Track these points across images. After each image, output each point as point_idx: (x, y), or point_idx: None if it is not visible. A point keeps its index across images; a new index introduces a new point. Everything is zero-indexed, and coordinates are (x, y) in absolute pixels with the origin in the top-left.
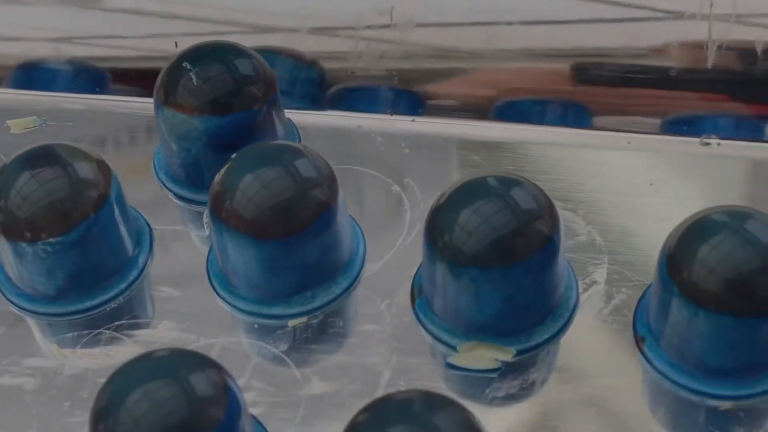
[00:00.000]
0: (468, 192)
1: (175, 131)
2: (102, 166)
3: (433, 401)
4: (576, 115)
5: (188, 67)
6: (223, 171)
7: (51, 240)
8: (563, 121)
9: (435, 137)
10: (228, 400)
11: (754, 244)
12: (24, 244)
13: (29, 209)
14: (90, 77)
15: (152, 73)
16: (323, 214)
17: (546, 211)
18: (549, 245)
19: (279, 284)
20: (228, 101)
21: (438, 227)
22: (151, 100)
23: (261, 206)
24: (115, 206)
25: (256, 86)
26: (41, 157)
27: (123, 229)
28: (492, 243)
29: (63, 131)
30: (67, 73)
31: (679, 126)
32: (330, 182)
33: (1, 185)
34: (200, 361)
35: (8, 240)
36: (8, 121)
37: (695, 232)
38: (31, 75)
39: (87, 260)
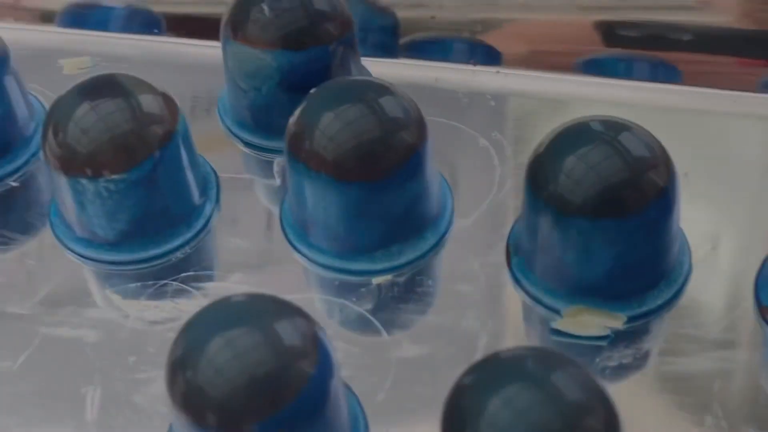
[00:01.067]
0: (574, 136)
1: (244, 68)
2: (168, 100)
3: (549, 359)
4: (665, 76)
5: None
6: (302, 107)
7: (114, 177)
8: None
9: (522, 90)
10: (319, 354)
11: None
12: (84, 181)
13: (91, 142)
14: (143, 21)
15: (207, 20)
16: (413, 157)
17: (661, 159)
18: (665, 196)
19: (362, 236)
20: (303, 36)
21: (542, 174)
22: (212, 42)
23: (345, 145)
24: (182, 145)
25: (333, 22)
26: (104, 87)
27: (190, 173)
28: (604, 191)
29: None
30: (120, 15)
31: None
32: (419, 123)
33: (60, 116)
34: (287, 308)
35: (67, 176)
36: (61, 60)
37: None
38: (82, 15)
39: (152, 203)
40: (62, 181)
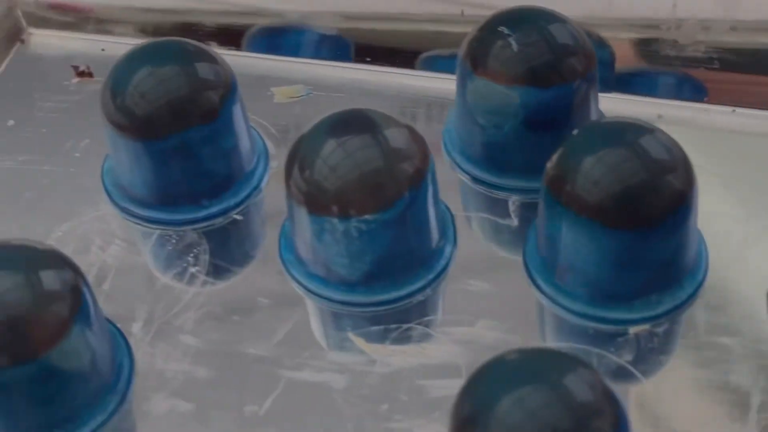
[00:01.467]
0: None
1: (486, 104)
2: (417, 137)
3: None
4: None
5: (506, 32)
6: (563, 148)
7: (366, 217)
8: None
9: (760, 131)
10: (617, 414)
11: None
12: (334, 220)
13: (343, 180)
14: (333, 46)
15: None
16: (683, 204)
17: None
18: None
19: (623, 284)
20: (550, 72)
21: None
22: (424, 74)
23: (614, 190)
24: (430, 184)
25: (578, 58)
26: (353, 123)
27: (433, 213)
28: None
29: (332, 102)
30: (311, 40)
31: None
32: (687, 168)
33: (308, 152)
34: (574, 363)
35: (313, 214)
36: (273, 89)
37: None
38: (272, 39)
39: (398, 244)
40: (305, 219)
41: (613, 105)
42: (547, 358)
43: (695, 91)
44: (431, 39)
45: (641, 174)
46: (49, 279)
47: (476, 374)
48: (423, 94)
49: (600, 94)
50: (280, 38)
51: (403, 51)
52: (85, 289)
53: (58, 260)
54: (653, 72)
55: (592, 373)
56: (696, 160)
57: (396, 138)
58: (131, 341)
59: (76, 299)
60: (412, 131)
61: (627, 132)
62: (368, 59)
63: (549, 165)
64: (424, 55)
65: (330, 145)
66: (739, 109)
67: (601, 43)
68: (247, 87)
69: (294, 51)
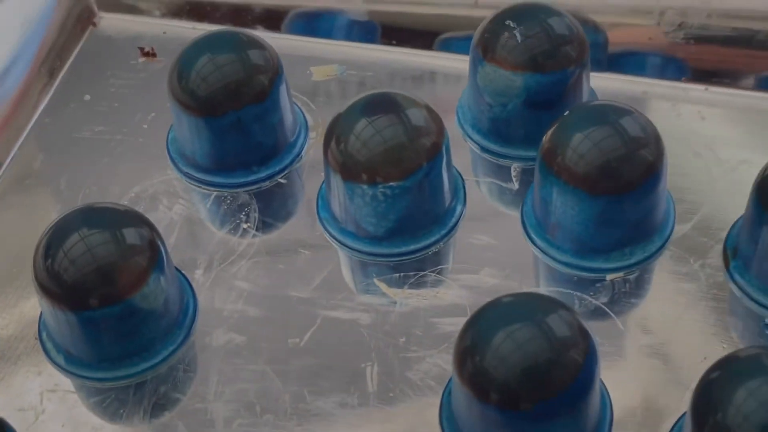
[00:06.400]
0: None
1: (493, 87)
2: (434, 115)
3: None
4: None
5: (512, 25)
6: (556, 126)
7: (392, 184)
8: None
9: (727, 106)
10: (587, 345)
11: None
12: (364, 187)
13: (372, 153)
14: (362, 29)
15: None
16: (653, 174)
17: None
18: None
19: (602, 239)
20: (549, 60)
21: None
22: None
23: (595, 162)
24: (445, 154)
25: (573, 47)
26: (380, 104)
27: (446, 178)
28: None
29: (365, 81)
30: (342, 24)
31: None
32: (657, 142)
33: (343, 129)
34: (556, 305)
35: (346, 181)
36: (312, 68)
37: None
38: (306, 23)
39: (416, 206)
40: (340, 184)
41: (604, 83)
42: (533, 301)
43: (677, 71)
44: (448, 23)
45: (619, 149)
46: (131, 235)
47: (476, 314)
48: (441, 71)
49: (594, 74)
50: (316, 22)
51: (423, 33)
52: (159, 243)
53: (137, 219)
54: (641, 53)
55: (570, 312)
56: (670, 130)
57: (416, 117)
58: (194, 285)
59: (154, 251)
60: (429, 110)
61: (609, 113)
62: (393, 42)
63: (544, 140)
64: (441, 36)
65: (361, 124)
66: (711, 88)
67: (596, 28)
68: (290, 65)
69: (328, 33)
